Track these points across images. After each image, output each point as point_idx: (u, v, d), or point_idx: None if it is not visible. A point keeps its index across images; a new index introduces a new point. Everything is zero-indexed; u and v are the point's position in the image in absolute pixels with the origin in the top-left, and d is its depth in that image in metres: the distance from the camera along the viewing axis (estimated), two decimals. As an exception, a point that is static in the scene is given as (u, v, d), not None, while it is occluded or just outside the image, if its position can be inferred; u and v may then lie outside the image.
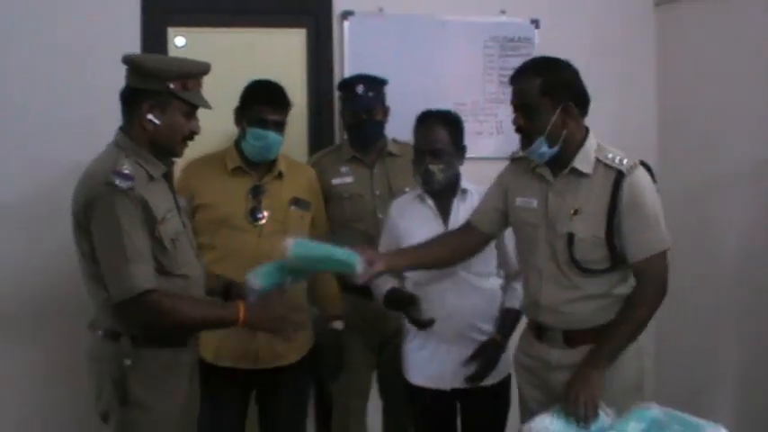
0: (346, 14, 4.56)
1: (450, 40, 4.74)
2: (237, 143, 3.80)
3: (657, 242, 2.99)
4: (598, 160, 3.00)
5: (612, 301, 3.04)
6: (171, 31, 4.41)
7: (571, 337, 3.09)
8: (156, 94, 2.91)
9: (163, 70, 2.91)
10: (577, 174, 3.03)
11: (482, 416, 3.68)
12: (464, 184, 3.68)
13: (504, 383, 3.65)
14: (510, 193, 3.28)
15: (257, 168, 3.75)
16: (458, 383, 3.58)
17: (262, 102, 3.70)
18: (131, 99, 2.96)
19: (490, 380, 3.58)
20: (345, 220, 4.10)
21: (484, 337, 3.58)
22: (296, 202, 3.79)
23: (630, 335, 3.00)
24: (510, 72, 4.63)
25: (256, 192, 3.71)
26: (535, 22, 4.85)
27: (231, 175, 3.73)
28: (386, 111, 4.20)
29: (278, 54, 4.52)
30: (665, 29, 5.05)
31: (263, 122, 3.67)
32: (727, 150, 4.58)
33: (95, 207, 2.78)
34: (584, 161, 3.02)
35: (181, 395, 3.04)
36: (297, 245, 3.04)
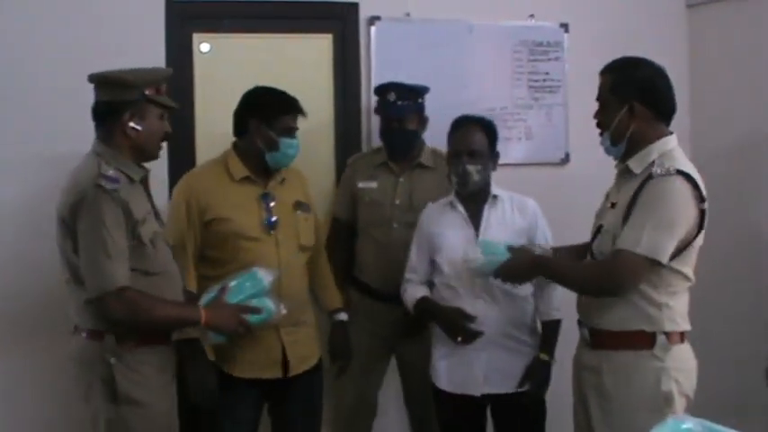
0: (373, 20, 4.51)
1: (479, 45, 4.69)
2: (243, 152, 3.72)
3: (629, 240, 2.95)
4: (653, 163, 3.01)
5: (627, 304, 3.04)
6: (196, 37, 4.38)
7: (594, 336, 3.17)
8: (134, 102, 3.12)
9: (139, 80, 3.15)
10: (628, 172, 3.09)
11: (518, 422, 3.66)
12: (495, 190, 3.68)
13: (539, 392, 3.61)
14: None
15: (260, 175, 3.72)
16: (488, 389, 3.57)
17: (290, 111, 3.69)
18: (109, 112, 3.14)
19: (523, 387, 3.57)
20: (362, 224, 4.17)
21: (514, 343, 3.58)
22: (299, 205, 3.79)
23: (569, 280, 3.23)
24: (539, 76, 4.67)
25: (266, 199, 3.68)
26: (564, 26, 4.80)
27: (238, 184, 3.68)
28: (422, 121, 4.18)
29: (305, 60, 4.49)
30: (697, 30, 5.00)
31: (292, 131, 3.69)
32: (764, 154, 4.52)
33: (82, 206, 2.95)
34: (638, 161, 3.06)
35: (170, 393, 3.21)
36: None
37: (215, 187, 3.64)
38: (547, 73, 4.76)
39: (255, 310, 3.21)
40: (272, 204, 3.66)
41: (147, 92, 3.14)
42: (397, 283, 3.88)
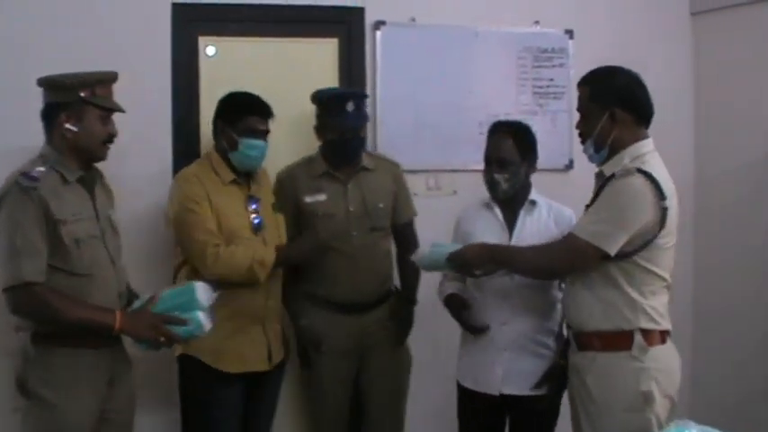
0: (378, 24, 4.52)
1: (484, 51, 4.69)
2: (224, 155, 3.79)
3: (588, 230, 3.09)
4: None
5: (603, 302, 3.13)
6: (202, 40, 4.38)
7: (577, 337, 3.28)
8: (70, 104, 3.19)
9: (72, 82, 3.19)
10: (602, 176, 3.20)
11: (529, 423, 3.70)
12: (533, 195, 3.70)
13: (554, 395, 3.62)
14: None
15: (245, 178, 3.81)
16: (507, 389, 3.60)
17: (253, 113, 3.76)
18: (49, 114, 3.22)
19: (541, 389, 3.59)
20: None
21: (538, 348, 3.61)
22: (274, 207, 3.91)
23: (515, 262, 3.39)
24: (543, 83, 4.68)
25: (252, 201, 3.79)
26: (569, 33, 4.81)
27: (227, 186, 3.76)
28: (366, 120, 4.12)
29: (310, 64, 4.49)
30: (701, 38, 5.01)
31: (255, 132, 3.73)
32: (765, 162, 4.52)
33: (2, 203, 3.05)
34: (611, 166, 3.16)
35: (91, 399, 3.19)
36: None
37: (211, 189, 3.71)
38: (551, 79, 4.76)
39: (180, 321, 3.16)
40: (256, 206, 3.77)
41: (82, 94, 3.19)
42: (370, 292, 3.98)
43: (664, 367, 3.12)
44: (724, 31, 4.88)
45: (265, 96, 4.08)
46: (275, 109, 4.08)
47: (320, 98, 4.02)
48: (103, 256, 3.25)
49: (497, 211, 3.70)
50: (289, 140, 4.37)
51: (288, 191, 3.99)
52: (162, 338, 3.16)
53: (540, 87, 4.75)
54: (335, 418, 4.05)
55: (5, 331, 3.29)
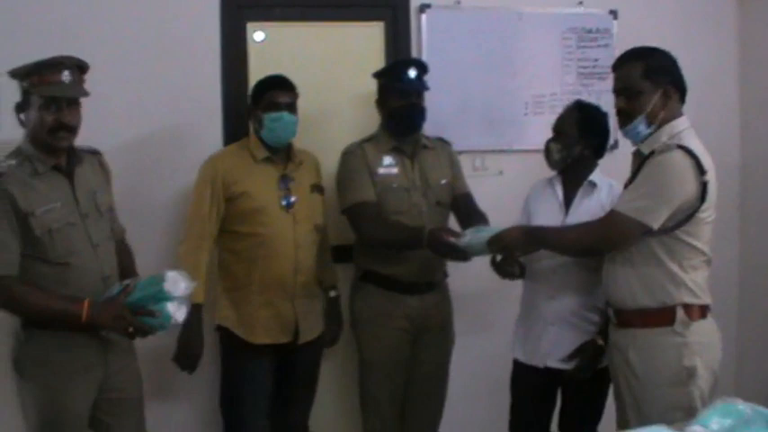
0: (424, 7, 4.54)
1: (528, 32, 4.70)
2: (258, 135, 3.91)
3: (631, 206, 3.11)
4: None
5: (645, 279, 3.16)
6: (250, 26, 4.43)
7: (619, 315, 3.31)
8: (22, 95, 3.21)
9: (15, 73, 3.20)
10: (640, 154, 3.24)
11: (579, 398, 3.75)
12: (595, 177, 3.73)
13: (601, 370, 3.63)
14: None
15: (280, 158, 3.92)
16: (552, 363, 3.67)
17: (272, 88, 3.86)
18: (15, 105, 3.24)
19: (569, 363, 3.64)
20: (388, 212, 3.97)
21: (584, 324, 3.65)
22: (315, 187, 4.01)
23: (557, 243, 3.44)
24: (588, 63, 4.68)
25: (285, 180, 3.88)
26: (613, 13, 4.80)
27: (260, 165, 3.88)
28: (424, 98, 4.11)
29: (356, 47, 4.53)
30: (746, 18, 4.97)
31: (277, 105, 3.81)
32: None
33: None
34: (649, 144, 3.20)
35: (86, 378, 3.25)
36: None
37: (238, 166, 3.86)
38: (596, 59, 4.76)
39: (148, 313, 3.17)
40: (290, 185, 3.86)
41: (24, 83, 3.19)
42: (434, 270, 4.01)
43: (706, 341, 3.15)
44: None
45: (312, 80, 4.19)
46: (322, 93, 4.21)
47: (383, 69, 4.10)
48: (82, 241, 3.26)
49: (558, 189, 3.76)
50: (335, 123, 4.45)
51: (360, 162, 3.98)
52: (130, 329, 3.18)
53: (585, 68, 4.76)
54: (391, 401, 4.07)
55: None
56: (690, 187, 3.05)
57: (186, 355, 3.81)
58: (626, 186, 3.27)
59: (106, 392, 3.35)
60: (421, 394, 4.15)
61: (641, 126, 3.20)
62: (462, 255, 3.62)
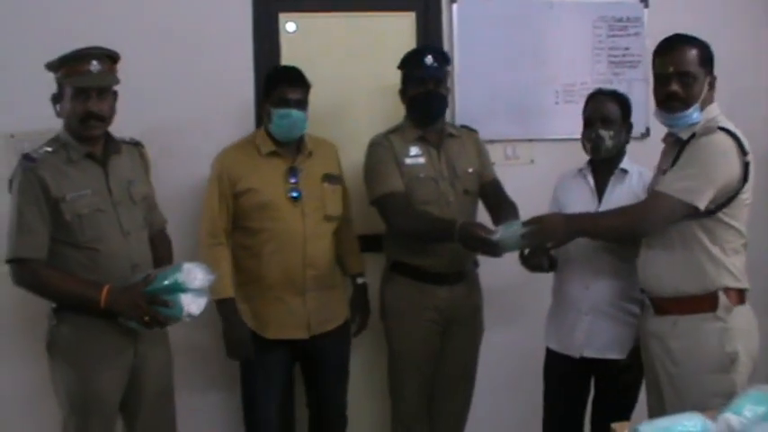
0: (455, -3, 4.57)
1: (559, 22, 4.69)
2: (267, 129, 3.93)
3: (677, 187, 3.06)
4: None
5: (691, 268, 3.13)
6: (282, 16, 4.47)
7: (657, 303, 3.27)
8: (58, 86, 3.33)
9: (50, 65, 3.31)
10: (677, 140, 3.22)
11: (612, 388, 3.74)
12: (625, 164, 3.74)
13: (635, 357, 3.61)
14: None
15: (289, 150, 3.91)
16: (587, 353, 3.68)
17: (282, 83, 3.84)
18: (52, 96, 3.37)
19: (620, 354, 3.64)
20: (416, 202, 3.93)
21: (620, 314, 3.65)
22: (327, 178, 3.97)
23: (601, 228, 3.37)
24: (619, 52, 4.67)
25: (292, 173, 3.87)
26: (644, 2, 4.78)
27: (266, 159, 3.88)
28: (448, 90, 4.12)
29: (387, 38, 4.54)
30: (778, 6, 4.93)
31: (285, 102, 3.80)
32: None
33: (12, 184, 3.29)
34: (688, 128, 3.18)
35: (115, 362, 3.35)
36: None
37: (244, 161, 3.87)
38: (627, 48, 4.75)
39: (162, 303, 3.24)
40: (298, 177, 3.86)
41: (58, 74, 3.30)
42: (463, 260, 3.99)
43: (746, 327, 3.14)
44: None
45: (343, 71, 4.21)
46: (355, 82, 4.21)
47: (402, 58, 4.07)
48: (112, 228, 3.35)
49: (590, 178, 3.76)
50: (367, 113, 4.48)
51: (388, 152, 3.98)
52: (146, 318, 3.25)
53: (616, 57, 4.75)
54: (420, 392, 4.08)
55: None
56: (734, 168, 3.05)
57: (235, 348, 3.85)
58: (662, 172, 3.25)
59: (136, 379, 3.43)
60: (449, 385, 4.15)
61: (696, 113, 3.16)
62: (494, 250, 3.56)
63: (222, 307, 3.81)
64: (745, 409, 2.49)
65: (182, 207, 4.12)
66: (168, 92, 4.17)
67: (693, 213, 3.06)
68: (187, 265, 3.32)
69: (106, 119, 3.36)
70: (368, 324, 4.24)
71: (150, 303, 3.24)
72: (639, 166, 3.76)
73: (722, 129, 3.08)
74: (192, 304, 3.28)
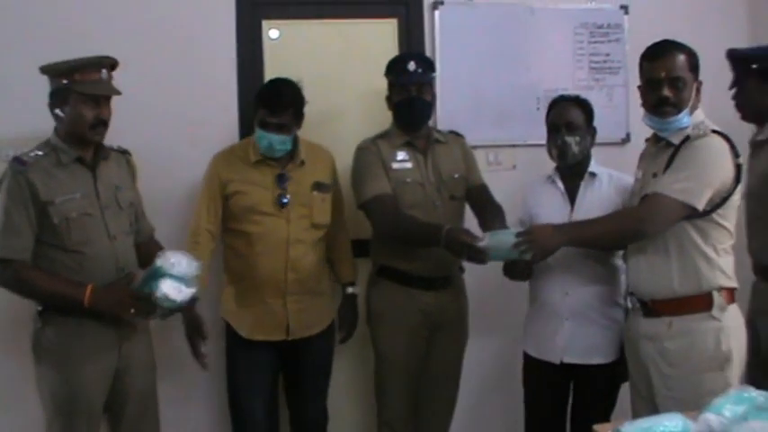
0: (437, 4, 4.58)
1: (540, 28, 4.73)
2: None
3: (676, 188, 3.09)
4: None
5: (681, 266, 3.17)
6: (265, 23, 4.49)
7: (650, 305, 3.28)
8: (58, 92, 3.37)
9: (54, 70, 3.37)
10: (667, 145, 3.25)
11: (592, 394, 3.77)
12: (593, 167, 3.77)
13: (617, 362, 3.68)
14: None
15: (279, 158, 3.95)
16: (568, 358, 3.69)
17: (263, 105, 3.87)
18: (49, 101, 3.41)
19: (602, 359, 3.67)
20: (402, 206, 3.93)
21: (602, 319, 3.68)
22: (318, 186, 4.00)
23: (596, 234, 3.35)
24: (600, 58, 4.71)
25: (281, 180, 3.92)
26: (624, 8, 4.83)
27: (256, 165, 3.94)
28: (434, 96, 4.13)
29: (370, 44, 4.56)
30: (756, 13, 4.98)
31: (265, 125, 3.85)
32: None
33: (1, 185, 3.32)
34: (677, 135, 3.22)
35: (100, 364, 3.40)
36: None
37: (237, 165, 3.94)
38: (607, 54, 4.79)
39: (145, 296, 3.31)
40: (286, 184, 3.90)
41: (65, 81, 3.34)
42: (449, 265, 4.00)
43: (737, 325, 3.19)
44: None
45: (326, 77, 4.27)
46: (338, 88, 4.28)
47: (387, 65, 4.09)
48: (99, 232, 3.42)
49: (559, 183, 3.79)
50: (349, 120, 4.52)
51: (375, 156, 4.01)
52: (132, 310, 3.33)
53: (597, 63, 4.79)
54: (405, 396, 4.09)
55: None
56: (728, 170, 3.11)
57: (190, 329, 3.84)
58: (652, 175, 3.28)
59: (120, 380, 3.48)
60: (434, 389, 4.17)
61: (686, 118, 3.21)
62: (480, 256, 3.56)
63: None
64: (725, 408, 2.52)
65: (167, 214, 4.13)
66: (150, 98, 4.17)
67: (690, 214, 3.10)
68: (168, 252, 3.39)
69: (108, 125, 3.46)
70: (353, 334, 4.27)
71: (134, 299, 3.33)
72: (609, 169, 3.82)
73: (715, 132, 3.15)
74: (172, 289, 3.31)
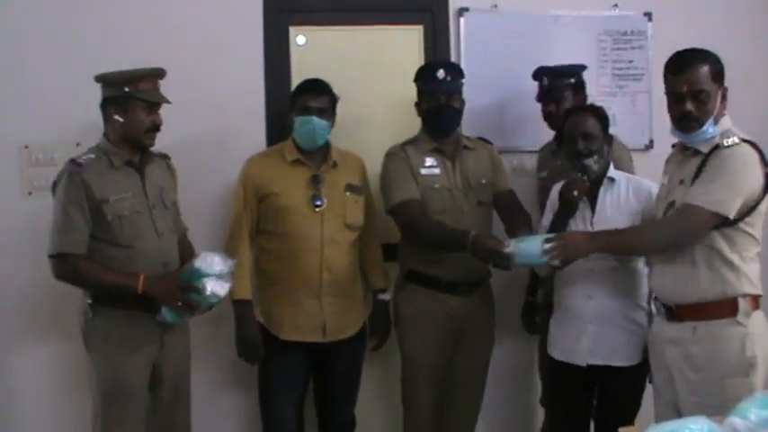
0: (462, 11, 4.63)
1: (564, 35, 4.77)
2: (293, 138, 4.05)
3: (707, 198, 3.08)
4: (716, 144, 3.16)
5: (710, 277, 3.16)
6: (292, 30, 4.54)
7: (675, 310, 3.28)
8: (118, 98, 3.57)
9: (117, 78, 3.57)
10: (695, 153, 3.23)
11: (617, 396, 3.78)
12: (611, 172, 3.77)
13: (641, 366, 3.69)
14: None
15: (314, 159, 4.04)
16: (592, 361, 3.70)
17: (304, 92, 4.00)
18: (104, 107, 3.62)
19: (626, 361, 3.68)
20: (430, 212, 4.00)
21: (626, 322, 3.69)
22: (350, 188, 4.07)
23: (630, 244, 3.38)
24: (623, 65, 4.73)
25: (315, 181, 3.99)
26: (648, 15, 4.86)
27: (291, 166, 4.01)
28: (463, 102, 4.15)
29: (396, 51, 4.61)
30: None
31: (307, 109, 3.94)
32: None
33: (57, 185, 3.54)
34: (707, 142, 3.19)
35: (143, 356, 3.58)
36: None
37: (270, 168, 4.01)
38: (631, 61, 4.83)
39: (192, 289, 3.50)
40: (320, 185, 3.97)
41: (126, 89, 3.54)
42: (476, 270, 4.02)
43: (763, 331, 3.18)
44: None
45: (352, 83, 4.31)
46: (364, 95, 4.36)
47: (416, 72, 4.14)
48: (148, 229, 3.62)
49: None
50: (374, 126, 4.56)
51: (403, 162, 4.06)
52: (179, 303, 3.52)
53: (620, 69, 4.82)
54: (431, 400, 4.14)
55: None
56: (757, 178, 3.11)
57: (245, 349, 3.99)
58: (679, 181, 3.28)
59: (158, 368, 3.64)
60: (459, 394, 4.20)
61: (711, 129, 3.19)
62: (505, 262, 3.60)
63: (238, 307, 3.95)
64: (751, 412, 2.53)
65: (196, 217, 4.16)
66: (180, 104, 4.17)
67: (724, 222, 3.11)
68: (203, 253, 3.61)
69: (160, 130, 3.69)
70: (387, 341, 4.29)
71: (182, 290, 3.51)
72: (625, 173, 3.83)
73: (745, 140, 3.15)
74: (216, 286, 3.53)
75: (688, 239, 3.19)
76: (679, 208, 3.21)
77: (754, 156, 3.13)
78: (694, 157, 3.25)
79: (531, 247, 3.46)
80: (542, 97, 4.30)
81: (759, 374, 3.14)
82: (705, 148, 3.19)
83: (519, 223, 3.92)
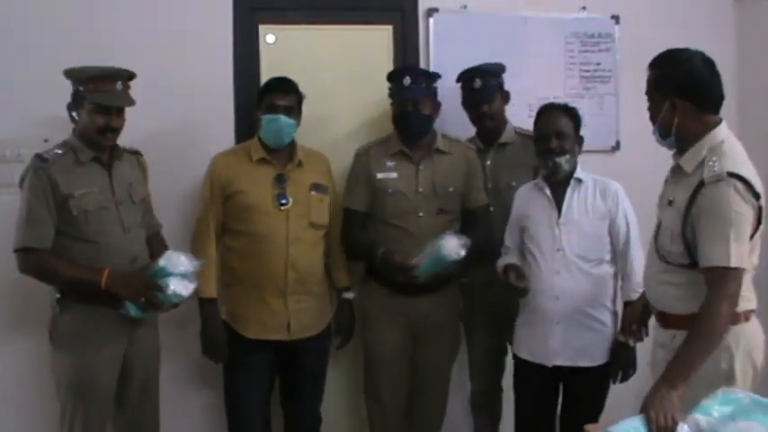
0: (431, 11, 4.65)
1: (532, 37, 4.79)
2: (259, 136, 4.05)
3: (718, 256, 2.94)
4: (703, 161, 3.03)
5: (695, 292, 3.05)
6: (262, 28, 4.54)
7: (663, 317, 3.24)
8: (75, 96, 3.61)
9: (74, 76, 3.60)
10: (681, 170, 3.12)
11: (582, 396, 3.82)
12: (579, 173, 3.80)
13: (606, 366, 3.74)
14: None
15: (279, 158, 4.04)
16: (559, 361, 3.73)
17: (271, 90, 4.00)
18: (69, 103, 3.63)
19: (591, 362, 3.72)
20: (386, 216, 4.10)
21: (591, 322, 3.73)
22: (316, 187, 4.07)
23: (700, 351, 2.93)
24: (591, 67, 4.77)
25: (281, 179, 4.00)
26: (615, 18, 4.90)
27: (256, 165, 4.01)
28: (435, 106, 4.17)
29: (365, 50, 4.62)
30: (744, 23, 5.06)
31: (274, 107, 3.95)
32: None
33: (23, 181, 3.56)
34: (689, 160, 3.07)
35: (111, 353, 3.60)
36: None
37: (236, 166, 4.01)
38: (598, 63, 4.87)
39: (157, 287, 3.52)
40: (286, 184, 3.97)
41: (80, 87, 3.57)
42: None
43: (749, 344, 3.09)
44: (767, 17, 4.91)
45: (322, 82, 4.33)
46: (333, 94, 4.35)
47: (387, 77, 4.18)
48: (114, 224, 3.63)
49: (547, 190, 3.80)
50: (343, 125, 4.57)
51: (362, 166, 4.15)
52: (143, 299, 3.53)
53: (587, 71, 4.86)
54: (394, 397, 4.20)
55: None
56: (750, 217, 2.96)
57: (210, 348, 4.00)
58: (667, 202, 3.17)
59: (127, 366, 3.65)
60: (422, 393, 4.24)
61: (656, 135, 3.17)
62: (414, 273, 3.82)
63: (203, 306, 3.96)
64: (714, 409, 2.58)
65: (163, 214, 4.14)
66: (148, 100, 4.17)
67: None
68: (169, 252, 3.63)
69: (120, 131, 3.67)
70: (348, 342, 4.32)
71: (147, 287, 3.52)
72: (591, 173, 3.85)
73: (731, 175, 2.94)
74: (180, 285, 3.54)
75: (736, 300, 2.98)
76: (706, 276, 2.99)
77: (744, 194, 2.94)
78: (684, 180, 3.09)
79: (433, 250, 3.73)
80: (475, 99, 4.28)
81: (738, 386, 3.00)
82: (689, 168, 3.07)
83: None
